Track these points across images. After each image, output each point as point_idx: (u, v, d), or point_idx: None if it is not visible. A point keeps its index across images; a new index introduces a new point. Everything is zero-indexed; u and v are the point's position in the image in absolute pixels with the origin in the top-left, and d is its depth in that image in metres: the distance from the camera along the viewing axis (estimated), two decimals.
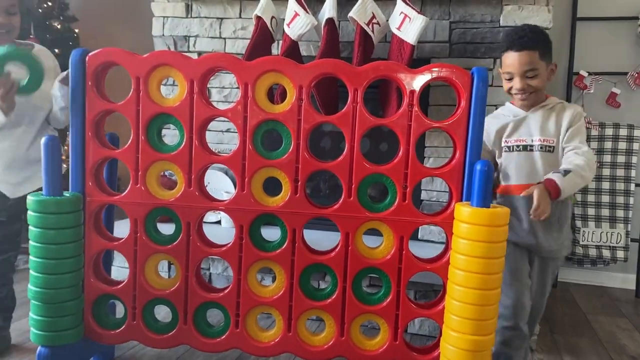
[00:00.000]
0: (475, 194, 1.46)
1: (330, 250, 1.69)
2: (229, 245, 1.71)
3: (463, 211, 1.47)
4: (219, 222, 2.85)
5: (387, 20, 2.51)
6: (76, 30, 3.40)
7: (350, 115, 1.62)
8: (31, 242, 1.59)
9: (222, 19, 2.89)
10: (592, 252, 3.05)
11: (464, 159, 1.58)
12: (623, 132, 3.02)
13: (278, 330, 1.73)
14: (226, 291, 1.72)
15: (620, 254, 3.03)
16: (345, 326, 1.69)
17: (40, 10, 3.21)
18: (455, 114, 1.58)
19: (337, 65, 1.64)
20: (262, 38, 2.59)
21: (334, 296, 1.68)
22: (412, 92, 1.60)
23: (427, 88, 2.63)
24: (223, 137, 2.89)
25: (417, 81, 1.59)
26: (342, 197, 1.65)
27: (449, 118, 1.59)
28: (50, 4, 3.26)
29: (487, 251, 1.43)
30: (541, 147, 1.74)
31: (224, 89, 2.88)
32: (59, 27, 3.29)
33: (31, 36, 3.16)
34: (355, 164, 1.63)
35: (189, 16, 2.92)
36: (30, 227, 1.59)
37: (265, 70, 1.64)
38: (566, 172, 1.60)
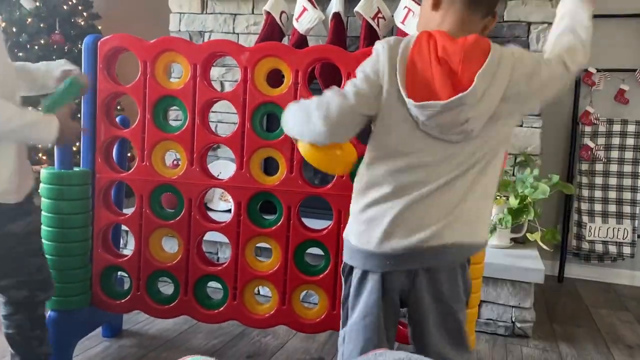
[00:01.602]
0: None
1: (324, 228, 1.77)
2: (227, 221, 1.80)
3: None
4: (229, 211, 2.95)
5: (392, 15, 2.59)
6: (99, 27, 3.55)
7: None
8: (43, 213, 1.71)
9: (235, 14, 3.01)
10: (599, 247, 3.06)
11: None
12: (631, 128, 3.03)
13: (273, 304, 1.81)
14: (225, 265, 1.81)
15: (626, 249, 3.03)
16: (337, 301, 1.76)
17: (65, 7, 3.37)
18: None
19: (332, 51, 1.72)
20: (271, 32, 2.70)
21: (326, 272, 1.76)
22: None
23: None
24: None
25: None
26: (335, 176, 1.73)
27: None
28: (75, 1, 3.42)
29: None
30: None
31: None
32: (82, 23, 3.45)
33: (56, 32, 3.32)
34: None
35: (204, 12, 3.05)
36: (43, 199, 1.71)
37: (264, 55, 1.73)
38: None
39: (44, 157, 3.18)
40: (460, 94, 1.06)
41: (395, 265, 1.14)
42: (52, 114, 1.42)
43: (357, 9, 2.56)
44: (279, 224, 1.77)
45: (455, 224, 1.14)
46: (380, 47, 1.16)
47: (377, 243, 1.14)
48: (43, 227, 1.71)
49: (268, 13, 2.68)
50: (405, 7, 2.48)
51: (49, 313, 1.75)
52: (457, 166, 1.13)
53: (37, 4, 3.27)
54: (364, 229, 1.17)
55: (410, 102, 1.09)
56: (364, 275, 1.18)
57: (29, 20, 3.24)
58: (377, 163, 1.18)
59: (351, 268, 1.22)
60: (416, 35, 1.14)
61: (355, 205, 1.22)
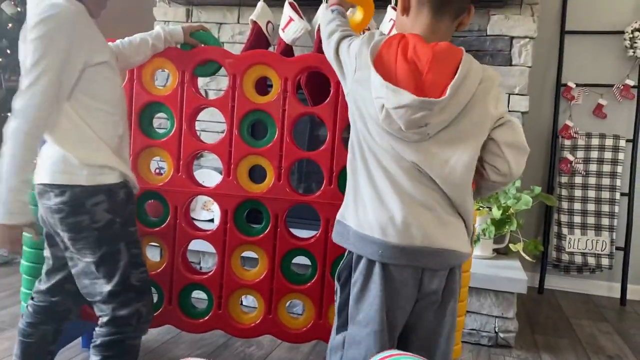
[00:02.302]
0: None
1: (311, 237, 1.76)
2: (214, 229, 1.78)
3: None
4: (211, 220, 2.92)
5: (378, 27, 2.61)
6: None
7: (332, 107, 1.70)
8: None
9: (221, 24, 3.00)
10: (578, 259, 3.11)
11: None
12: (609, 142, 3.09)
13: (259, 313, 1.79)
14: (210, 273, 1.79)
15: (605, 261, 3.08)
16: (323, 310, 1.75)
17: None
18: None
19: (322, 60, 1.72)
20: (257, 42, 2.69)
21: (313, 281, 1.75)
22: None
23: None
24: None
25: None
26: (323, 184, 1.72)
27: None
28: None
29: None
30: None
31: (221, 92, 2.98)
32: None
33: None
34: (336, 153, 1.71)
35: (189, 21, 3.04)
36: None
37: (253, 63, 1.73)
38: None
39: None
40: (432, 99, 1.08)
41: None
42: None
43: None
44: (266, 232, 1.76)
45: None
46: (361, 37, 1.21)
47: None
48: (25, 234, 1.67)
49: (254, 22, 2.68)
50: (391, 19, 2.50)
51: None
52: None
53: (19, 9, 3.23)
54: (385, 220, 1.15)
55: (386, 85, 1.09)
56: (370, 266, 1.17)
57: (10, 25, 3.19)
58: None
59: (349, 274, 1.21)
60: (390, 35, 1.18)
61: (352, 205, 1.23)
